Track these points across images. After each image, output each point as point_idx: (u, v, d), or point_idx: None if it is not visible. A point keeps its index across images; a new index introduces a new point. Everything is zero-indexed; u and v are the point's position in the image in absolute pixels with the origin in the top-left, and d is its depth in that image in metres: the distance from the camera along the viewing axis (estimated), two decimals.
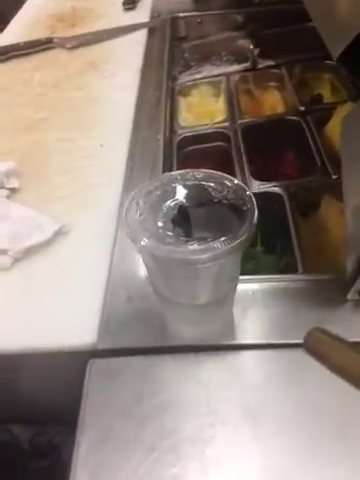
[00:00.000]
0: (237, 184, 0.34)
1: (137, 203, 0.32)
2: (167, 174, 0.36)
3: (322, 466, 0.31)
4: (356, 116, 0.30)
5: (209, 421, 0.33)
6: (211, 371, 0.36)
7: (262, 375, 0.36)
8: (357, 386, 0.22)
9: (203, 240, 0.30)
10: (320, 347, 0.24)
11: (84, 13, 0.90)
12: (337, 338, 0.24)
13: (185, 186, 0.35)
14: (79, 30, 0.84)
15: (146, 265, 0.36)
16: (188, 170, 0.36)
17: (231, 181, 0.34)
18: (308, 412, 0.34)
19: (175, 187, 0.34)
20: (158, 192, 0.34)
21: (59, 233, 0.48)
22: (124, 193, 0.54)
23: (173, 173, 0.36)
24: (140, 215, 0.32)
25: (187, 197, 0.34)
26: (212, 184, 0.35)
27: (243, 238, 0.30)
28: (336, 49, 0.25)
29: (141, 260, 0.45)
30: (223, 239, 0.30)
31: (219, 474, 0.31)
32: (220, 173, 0.35)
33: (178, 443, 0.32)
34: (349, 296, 0.38)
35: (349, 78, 0.50)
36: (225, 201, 0.33)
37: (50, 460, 0.58)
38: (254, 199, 0.32)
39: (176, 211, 0.32)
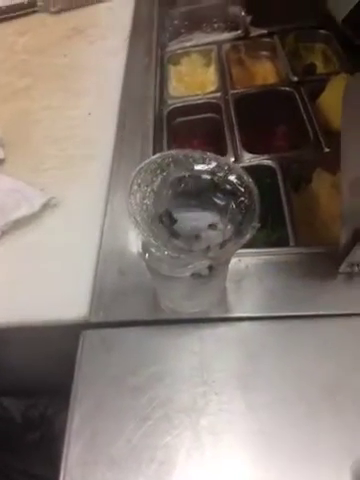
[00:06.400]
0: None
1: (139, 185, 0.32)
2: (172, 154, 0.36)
3: (313, 431, 0.32)
4: (357, 85, 0.29)
5: (202, 391, 0.33)
6: (205, 342, 0.36)
7: (255, 346, 0.36)
8: None
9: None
10: None
11: None
12: None
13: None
14: None
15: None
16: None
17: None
18: (299, 381, 0.34)
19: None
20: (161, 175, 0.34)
21: (47, 206, 0.47)
22: (114, 164, 0.52)
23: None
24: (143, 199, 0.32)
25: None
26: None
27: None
28: (341, 12, 0.24)
29: (132, 233, 0.45)
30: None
31: (212, 442, 0.31)
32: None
33: (172, 412, 0.32)
34: (341, 269, 0.39)
35: (344, 47, 0.48)
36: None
37: (42, 432, 0.58)
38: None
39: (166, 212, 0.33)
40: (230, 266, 0.40)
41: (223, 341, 0.37)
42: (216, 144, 0.63)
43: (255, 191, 0.34)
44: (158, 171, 0.35)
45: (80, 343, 0.37)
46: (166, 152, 0.36)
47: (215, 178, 0.36)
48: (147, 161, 0.35)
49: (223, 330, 0.37)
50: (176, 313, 0.38)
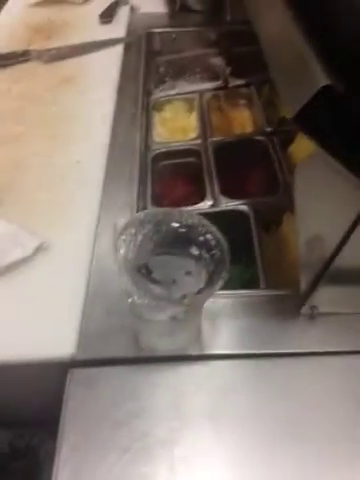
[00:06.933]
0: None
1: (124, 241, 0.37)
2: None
3: (274, 461, 0.36)
4: (308, 165, 0.34)
5: (177, 425, 0.37)
6: (180, 379, 0.41)
7: (225, 382, 0.41)
8: None
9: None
10: None
11: (60, 25, 0.91)
12: None
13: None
14: (55, 42, 0.86)
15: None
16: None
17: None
18: (264, 414, 0.39)
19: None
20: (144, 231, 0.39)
21: (39, 249, 0.51)
22: (102, 210, 0.57)
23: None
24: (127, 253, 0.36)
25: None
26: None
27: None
28: (293, 108, 0.30)
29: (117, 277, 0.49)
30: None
31: (186, 471, 0.35)
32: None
33: (149, 445, 0.36)
34: (303, 311, 0.43)
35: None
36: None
37: (28, 461, 0.61)
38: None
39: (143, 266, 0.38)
40: (206, 306, 0.44)
41: (197, 377, 0.41)
42: (197, 187, 0.69)
43: (226, 246, 0.39)
44: (140, 227, 0.40)
45: (67, 380, 0.40)
46: (148, 211, 0.41)
47: (191, 233, 0.41)
48: (131, 219, 0.40)
49: (197, 367, 0.42)
50: (155, 352, 0.43)
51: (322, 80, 0.28)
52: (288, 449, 0.37)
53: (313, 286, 0.41)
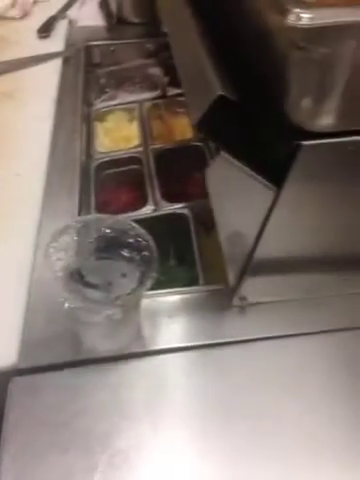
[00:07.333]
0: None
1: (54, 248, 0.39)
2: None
3: (206, 445, 0.38)
4: (217, 167, 0.38)
5: (117, 420, 0.39)
6: (120, 377, 0.42)
7: (164, 376, 0.43)
8: None
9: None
10: None
11: None
12: None
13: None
14: None
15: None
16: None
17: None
18: (202, 400, 0.41)
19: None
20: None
21: None
22: (42, 221, 0.58)
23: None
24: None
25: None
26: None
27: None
28: (196, 115, 0.32)
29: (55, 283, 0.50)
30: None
31: (125, 464, 0.37)
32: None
33: (89, 441, 0.37)
34: (234, 302, 0.46)
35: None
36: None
37: None
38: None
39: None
40: (146, 305, 0.46)
41: (137, 373, 0.43)
42: (141, 194, 0.71)
43: (154, 247, 0.42)
44: (73, 234, 0.42)
45: (9, 389, 0.41)
46: (79, 218, 0.43)
47: (122, 237, 0.43)
48: (62, 227, 0.42)
49: (137, 364, 0.44)
50: (96, 353, 0.44)
51: (218, 89, 0.32)
52: (221, 434, 0.39)
53: (240, 279, 0.44)
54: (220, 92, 0.31)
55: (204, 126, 0.32)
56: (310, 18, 0.26)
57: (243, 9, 0.39)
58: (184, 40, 0.45)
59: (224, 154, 0.33)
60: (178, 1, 0.56)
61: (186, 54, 0.42)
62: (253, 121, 0.32)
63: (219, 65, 0.35)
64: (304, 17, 0.26)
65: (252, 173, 0.34)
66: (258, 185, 0.36)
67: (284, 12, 0.26)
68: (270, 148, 0.36)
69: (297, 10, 0.26)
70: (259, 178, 0.35)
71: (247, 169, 0.33)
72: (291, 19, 0.26)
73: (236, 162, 0.33)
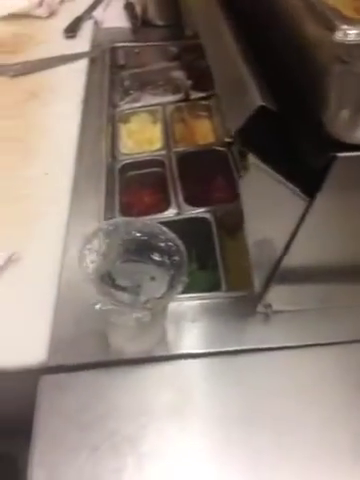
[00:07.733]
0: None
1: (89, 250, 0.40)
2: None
3: (229, 450, 0.39)
4: (251, 175, 0.38)
5: (144, 422, 0.40)
6: (146, 379, 0.43)
7: (189, 380, 0.43)
8: None
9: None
10: None
11: (25, 40, 0.93)
12: None
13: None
14: (20, 57, 0.88)
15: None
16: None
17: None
18: (225, 406, 0.42)
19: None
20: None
21: (10, 261, 0.52)
22: (70, 220, 0.59)
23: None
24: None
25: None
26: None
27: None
28: (235, 124, 0.33)
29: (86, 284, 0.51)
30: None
31: (153, 465, 0.38)
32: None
33: (117, 442, 0.38)
34: (258, 309, 0.47)
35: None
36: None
37: (6, 470, 0.62)
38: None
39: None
40: (171, 309, 0.47)
41: (162, 376, 0.44)
42: (163, 196, 0.72)
43: (184, 252, 0.42)
44: (104, 237, 0.43)
45: (39, 387, 0.42)
46: (111, 221, 0.44)
47: (152, 240, 0.44)
48: (94, 230, 0.43)
49: (162, 367, 0.44)
50: (123, 355, 0.45)
51: (258, 100, 0.32)
52: (243, 440, 0.40)
53: (266, 286, 0.44)
54: (261, 103, 0.31)
55: (242, 135, 0.33)
56: (357, 34, 0.27)
57: (279, 18, 0.40)
58: (218, 43, 0.45)
59: (259, 162, 0.34)
60: (211, 3, 0.57)
61: (221, 58, 0.43)
62: (289, 131, 0.33)
63: (256, 73, 0.35)
64: (351, 34, 0.26)
65: (286, 182, 0.35)
66: (291, 194, 0.36)
67: (332, 28, 0.26)
68: (305, 158, 0.36)
69: (345, 27, 0.26)
70: (292, 187, 0.35)
71: (281, 178, 0.34)
72: (339, 36, 0.26)
73: (270, 170, 0.33)
